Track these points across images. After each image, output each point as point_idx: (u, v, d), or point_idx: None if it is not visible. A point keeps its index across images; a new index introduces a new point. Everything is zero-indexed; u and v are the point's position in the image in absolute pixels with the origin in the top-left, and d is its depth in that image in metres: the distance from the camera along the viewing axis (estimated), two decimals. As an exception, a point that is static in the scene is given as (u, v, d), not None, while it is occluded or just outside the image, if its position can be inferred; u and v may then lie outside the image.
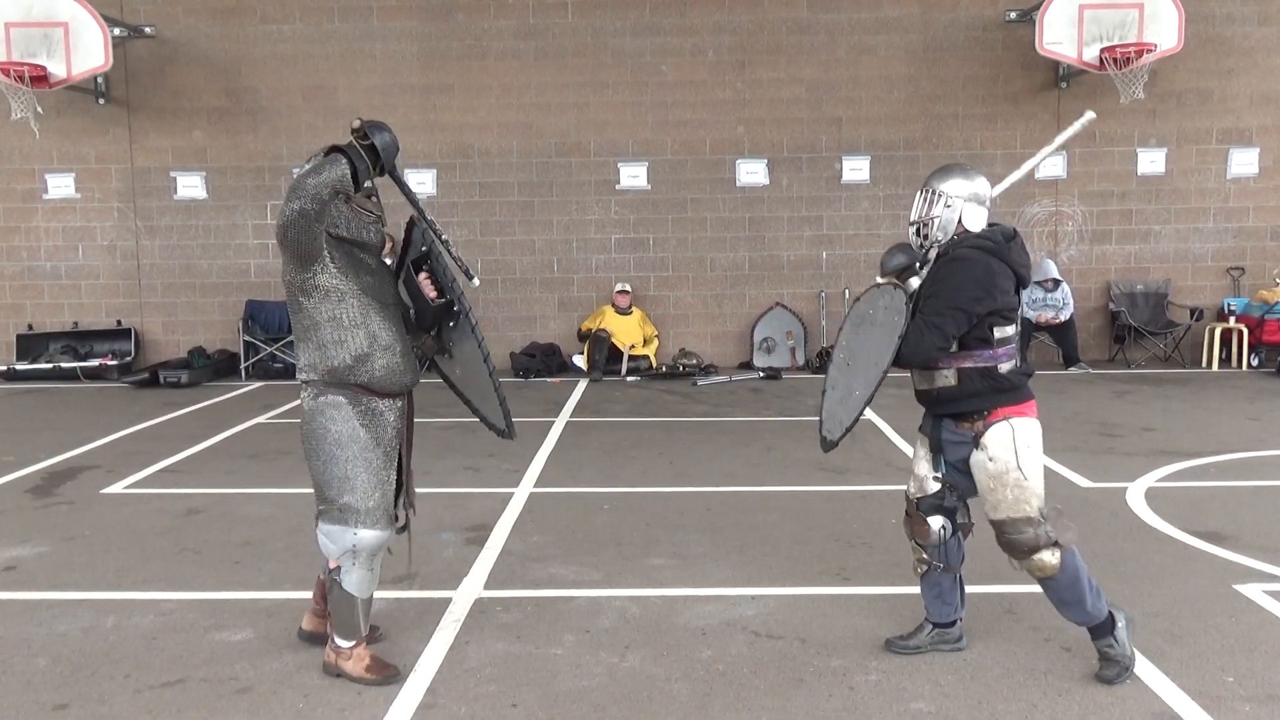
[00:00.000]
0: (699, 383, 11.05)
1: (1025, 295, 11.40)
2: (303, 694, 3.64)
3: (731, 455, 7.40)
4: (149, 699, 3.62)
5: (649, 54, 12.10)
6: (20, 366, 11.73)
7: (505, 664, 3.84)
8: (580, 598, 4.55)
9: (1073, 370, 11.43)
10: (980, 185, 3.73)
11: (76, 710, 3.55)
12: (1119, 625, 3.69)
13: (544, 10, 12.06)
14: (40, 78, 10.71)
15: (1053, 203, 12.23)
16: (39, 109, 10.96)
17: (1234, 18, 11.93)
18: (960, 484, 3.76)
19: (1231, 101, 12.05)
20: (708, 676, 3.74)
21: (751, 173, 12.25)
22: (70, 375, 11.61)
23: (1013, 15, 11.72)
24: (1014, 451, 3.61)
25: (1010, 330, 3.67)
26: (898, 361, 3.60)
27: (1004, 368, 3.64)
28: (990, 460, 3.62)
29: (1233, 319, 11.67)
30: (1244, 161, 12.12)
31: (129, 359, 11.99)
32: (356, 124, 3.47)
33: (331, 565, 3.65)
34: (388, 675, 3.69)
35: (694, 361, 11.70)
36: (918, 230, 3.74)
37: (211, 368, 11.63)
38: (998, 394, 3.64)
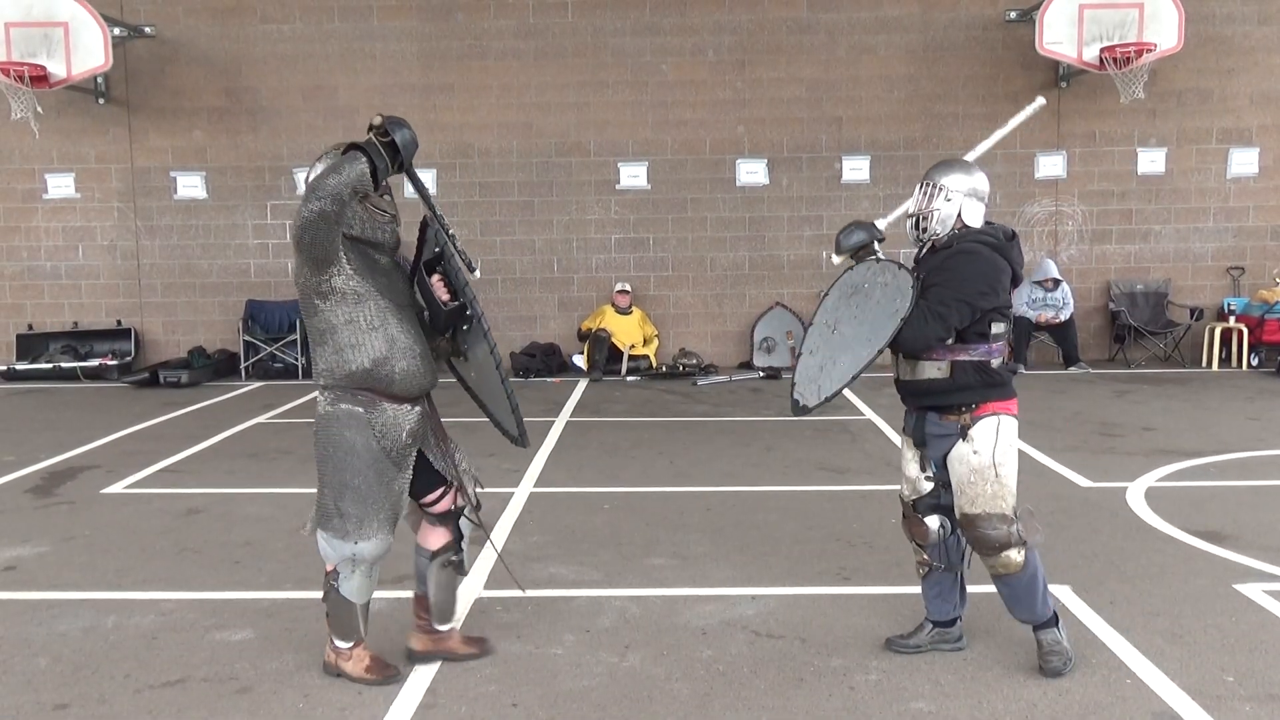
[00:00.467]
0: (699, 382, 11.05)
1: (1025, 295, 11.47)
2: (303, 694, 3.64)
3: (731, 455, 7.40)
4: (149, 699, 3.62)
5: (649, 54, 12.10)
6: (20, 366, 11.73)
7: (505, 664, 3.84)
8: (580, 597, 4.55)
9: (1073, 370, 11.43)
10: (980, 181, 3.75)
11: (77, 710, 3.55)
12: (1060, 620, 3.78)
13: (544, 10, 12.06)
14: (40, 77, 10.71)
15: (1053, 202, 12.23)
16: (39, 109, 10.96)
17: (1234, 17, 11.93)
18: (949, 480, 3.76)
19: (1231, 101, 12.05)
20: (708, 676, 3.74)
21: (751, 172, 12.25)
22: (70, 375, 11.61)
23: (1013, 15, 11.71)
24: (998, 447, 3.65)
25: (1003, 327, 3.71)
26: (894, 343, 3.61)
27: (994, 363, 3.68)
28: (975, 453, 3.64)
29: (1233, 319, 11.66)
30: (1244, 161, 12.11)
31: (129, 359, 11.99)
32: (377, 121, 3.36)
33: (329, 569, 3.63)
34: (387, 675, 3.68)
35: (694, 361, 11.70)
36: (916, 223, 3.75)
37: (211, 368, 11.63)
38: (988, 389, 3.67)
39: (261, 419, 9.12)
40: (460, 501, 3.79)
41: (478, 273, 3.71)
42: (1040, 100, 4.07)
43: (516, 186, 12.27)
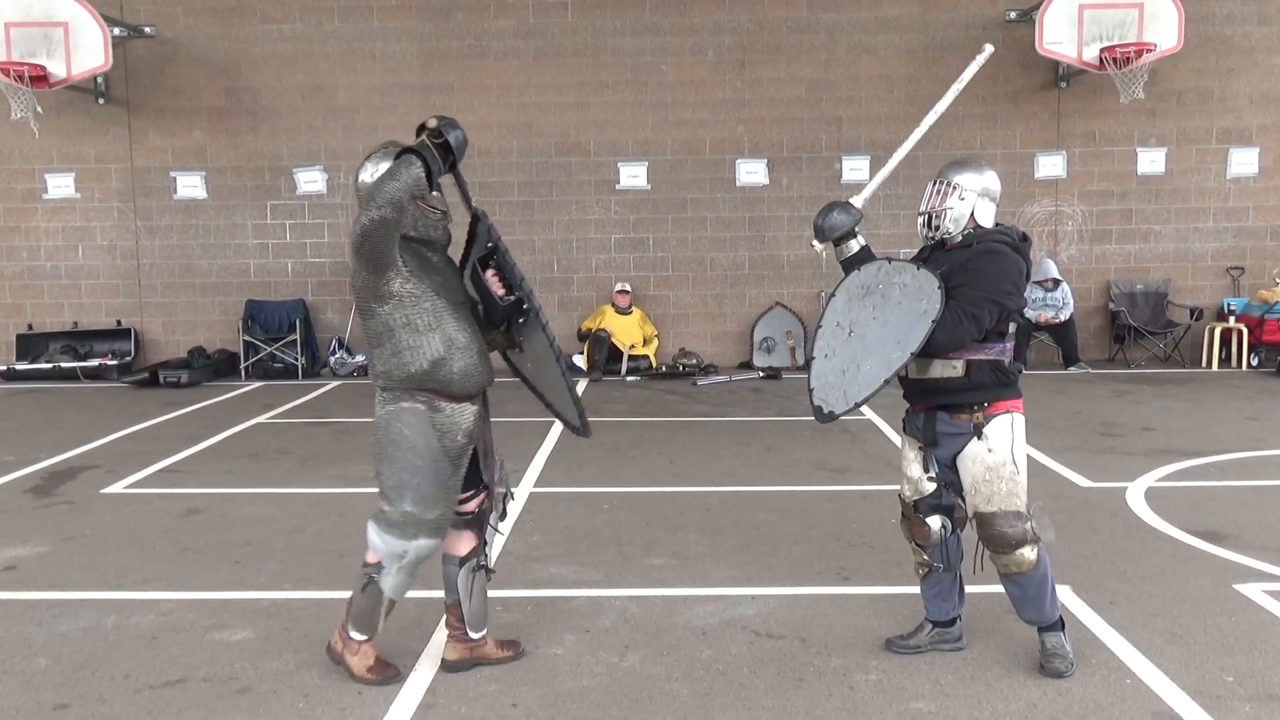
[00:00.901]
0: (699, 382, 11.04)
1: (1025, 294, 11.45)
2: (303, 694, 3.64)
3: (731, 455, 7.40)
4: (149, 699, 3.62)
5: (649, 53, 12.10)
6: (20, 366, 11.73)
7: (505, 664, 3.84)
8: (580, 597, 4.55)
9: (1073, 370, 11.43)
10: (992, 181, 3.76)
11: (77, 710, 3.55)
12: (1065, 625, 3.79)
13: (544, 10, 12.06)
14: (40, 77, 10.71)
15: (1053, 202, 12.23)
16: (39, 109, 10.96)
17: (1234, 17, 11.93)
18: (954, 480, 3.76)
19: (1231, 101, 12.05)
20: (708, 676, 3.74)
21: (751, 172, 12.25)
22: (70, 375, 11.61)
23: (1013, 15, 11.72)
24: (1014, 445, 3.66)
25: (1014, 326, 3.72)
26: (927, 348, 3.53)
27: (1007, 361, 3.69)
28: (990, 451, 3.63)
29: (1232, 319, 11.67)
30: (1244, 161, 12.11)
31: (129, 359, 11.99)
32: (433, 123, 3.33)
33: (370, 560, 3.57)
34: (388, 676, 3.66)
35: (694, 361, 11.70)
36: (928, 221, 3.73)
37: (211, 367, 11.63)
38: (1001, 387, 3.67)
39: (261, 419, 9.12)
40: (487, 505, 3.76)
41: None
42: (988, 48, 4.00)
43: (516, 186, 12.27)
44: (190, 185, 12.23)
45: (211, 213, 12.30)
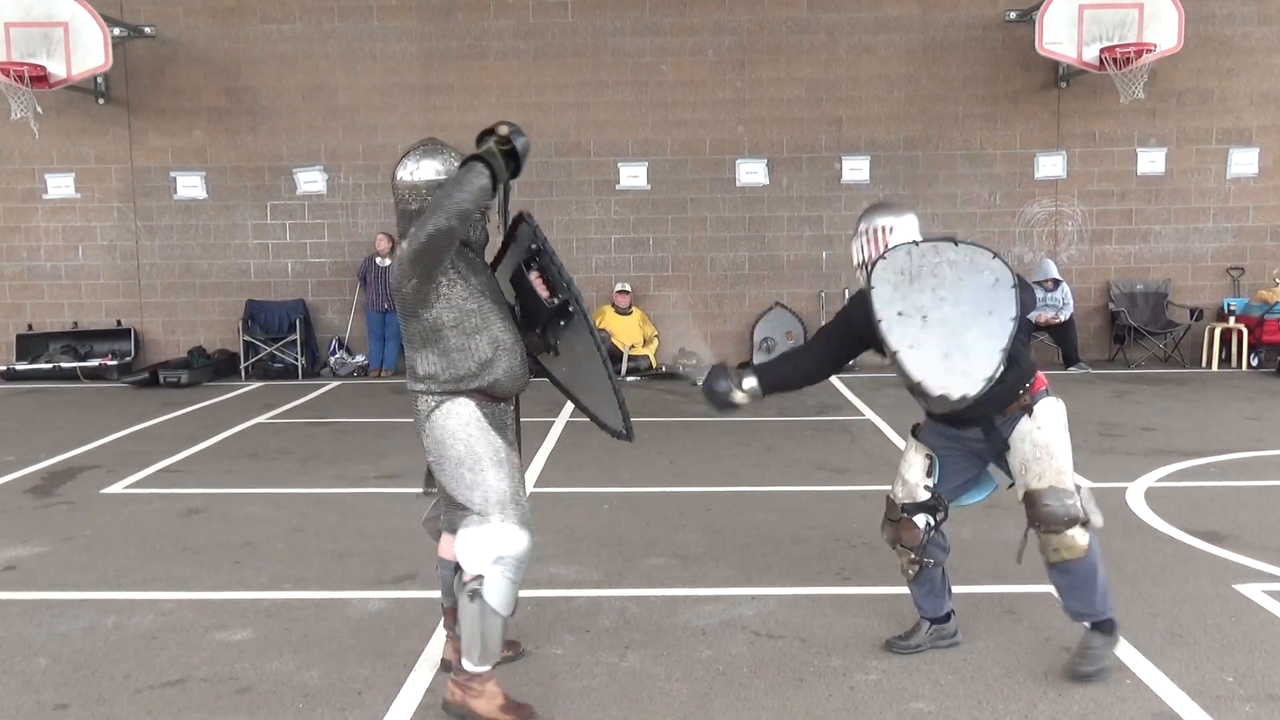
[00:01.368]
0: (699, 382, 11.01)
1: (1025, 295, 11.45)
2: (303, 694, 3.64)
3: (731, 455, 7.40)
4: (149, 699, 3.62)
5: (649, 54, 12.10)
6: (20, 366, 11.74)
7: (505, 664, 3.84)
8: (580, 597, 4.55)
9: (1072, 370, 11.43)
10: (913, 219, 3.79)
11: (76, 710, 3.54)
12: (1117, 629, 3.72)
13: (544, 10, 12.06)
14: (40, 78, 10.72)
15: (1053, 202, 12.23)
16: (39, 109, 10.96)
17: (1234, 17, 11.93)
18: (955, 492, 3.80)
19: (1231, 101, 12.05)
20: (708, 676, 3.74)
21: (751, 172, 12.25)
22: (70, 375, 11.61)
23: (1012, 15, 11.72)
24: (1060, 422, 3.67)
25: None
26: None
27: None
28: (1039, 429, 3.63)
29: (1232, 319, 11.67)
30: (1244, 161, 12.12)
31: (129, 359, 11.99)
32: (504, 130, 3.24)
33: (468, 578, 3.28)
34: (524, 717, 3.38)
35: (693, 361, 11.69)
36: (871, 269, 3.61)
37: (211, 368, 11.63)
38: (1029, 367, 3.71)
39: (261, 419, 9.12)
40: None
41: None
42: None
43: (516, 186, 12.14)
44: (190, 185, 12.24)
45: (211, 213, 12.30)
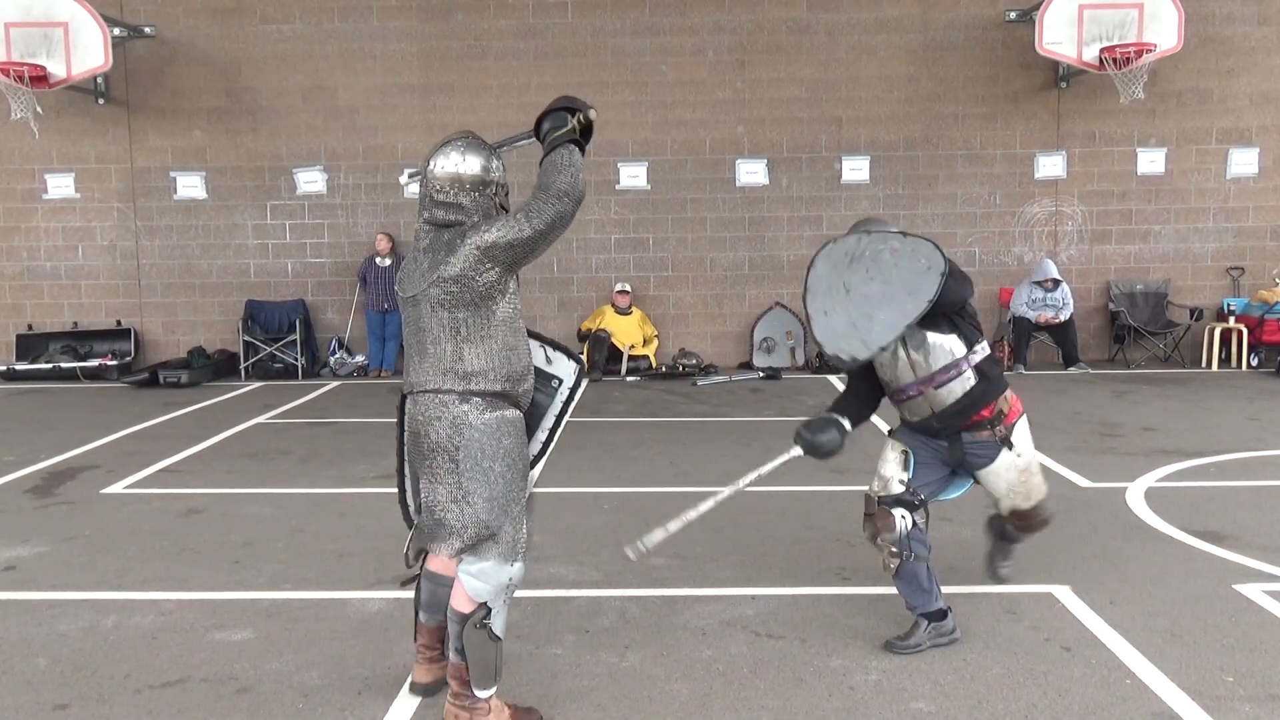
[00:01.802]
0: (699, 383, 11.04)
1: (1025, 295, 11.49)
2: (303, 694, 3.64)
3: (731, 455, 7.40)
4: (149, 699, 3.62)
5: (649, 54, 12.10)
6: (20, 366, 11.73)
7: (505, 664, 3.83)
8: (580, 597, 4.55)
9: (1072, 370, 11.43)
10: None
11: (76, 710, 3.55)
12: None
13: (544, 10, 12.06)
14: (40, 78, 10.71)
15: (1053, 202, 12.23)
16: (39, 109, 10.96)
17: (1234, 17, 11.93)
18: (931, 487, 3.98)
19: (1231, 101, 12.05)
20: (708, 676, 3.74)
21: (751, 172, 12.25)
22: (70, 375, 11.61)
23: (1012, 15, 11.72)
24: (1030, 441, 4.01)
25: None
26: (937, 306, 3.69)
27: (994, 353, 4.01)
28: (1019, 456, 3.94)
29: (1232, 319, 11.66)
30: (1244, 161, 12.12)
31: (129, 359, 11.99)
32: (595, 115, 3.26)
33: (467, 609, 3.18)
34: None
35: (694, 361, 11.70)
36: None
37: (211, 368, 11.63)
38: (1002, 379, 3.95)
39: (261, 419, 9.12)
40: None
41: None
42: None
43: (516, 187, 12.11)
44: (190, 185, 12.23)
45: (211, 213, 12.30)
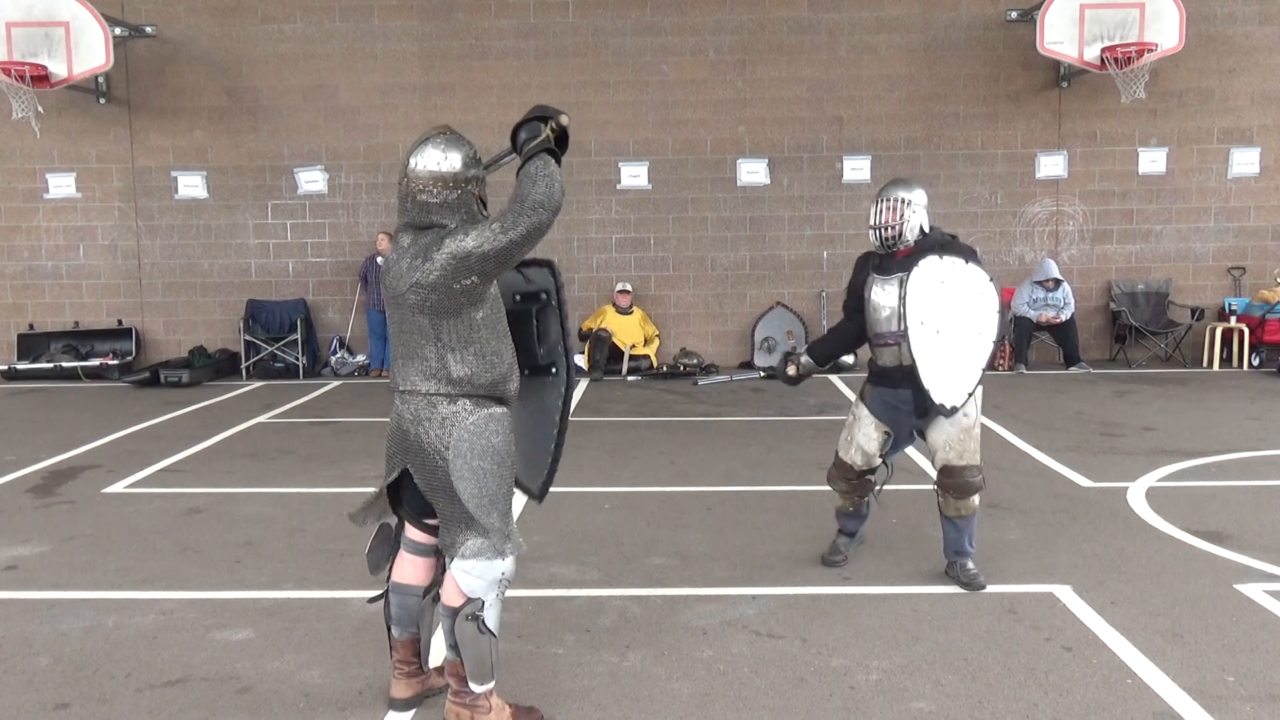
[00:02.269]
0: (700, 382, 10.87)
1: (1026, 295, 11.49)
2: (303, 694, 3.64)
3: (732, 455, 7.40)
4: (150, 698, 3.62)
5: (649, 53, 12.10)
6: (21, 366, 11.74)
7: (506, 663, 3.83)
8: (581, 597, 4.55)
9: (1073, 370, 11.43)
10: (923, 194, 4.61)
11: (77, 709, 3.55)
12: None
13: (545, 10, 12.06)
14: (41, 77, 10.72)
15: (1054, 202, 12.23)
16: (40, 109, 10.96)
17: (1235, 17, 11.93)
18: (902, 441, 4.66)
19: (1232, 101, 12.05)
20: (708, 676, 3.74)
21: (752, 172, 12.25)
22: (71, 375, 11.62)
23: (1014, 15, 11.71)
24: (979, 409, 4.49)
25: None
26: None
27: None
28: (965, 415, 4.42)
29: (1233, 319, 11.66)
30: (1245, 161, 12.11)
31: (130, 358, 12.00)
32: (567, 121, 3.21)
33: (458, 602, 3.21)
34: (535, 719, 3.39)
35: (695, 361, 11.70)
36: (886, 234, 4.50)
37: (212, 367, 11.64)
38: None
39: (262, 419, 9.12)
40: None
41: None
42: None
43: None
44: (191, 185, 12.24)
45: (212, 212, 12.30)
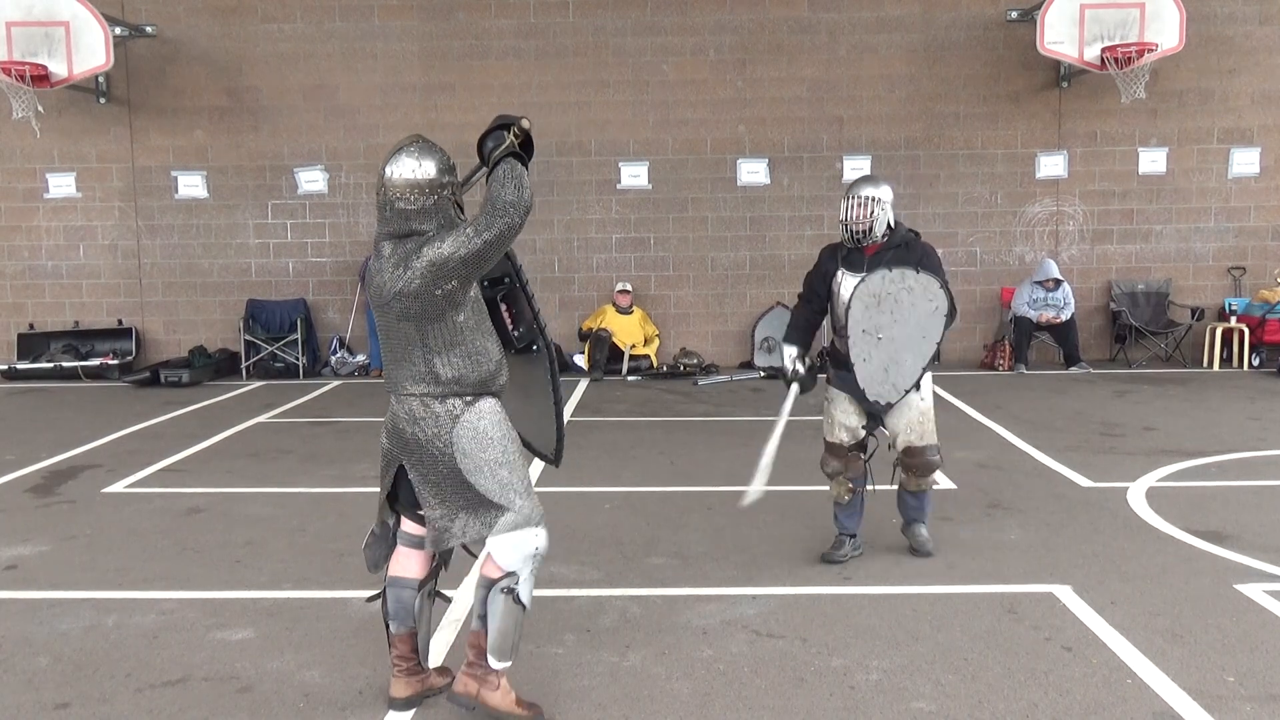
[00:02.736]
0: (700, 382, 11.04)
1: (1026, 295, 11.49)
2: (303, 693, 3.64)
3: (732, 455, 7.39)
4: (150, 698, 3.62)
5: (650, 53, 12.10)
6: (21, 366, 11.74)
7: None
8: (581, 597, 4.55)
9: (1074, 370, 11.42)
10: (890, 190, 4.83)
11: (78, 709, 3.55)
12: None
13: (545, 9, 12.06)
14: (41, 77, 10.71)
15: (1054, 202, 12.22)
16: (40, 108, 10.95)
17: (1235, 17, 11.92)
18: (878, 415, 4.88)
19: (1233, 101, 12.04)
20: (708, 676, 3.74)
21: (752, 172, 12.25)
22: (71, 374, 11.61)
23: (1014, 14, 11.70)
24: (932, 393, 4.91)
25: None
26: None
27: None
28: (922, 399, 4.83)
29: (1234, 319, 11.65)
30: (1245, 161, 12.11)
31: (130, 358, 11.99)
32: (528, 124, 3.28)
33: (496, 574, 3.33)
34: (536, 715, 3.44)
35: (695, 361, 11.70)
36: (856, 230, 4.71)
37: (212, 367, 11.63)
38: None
39: (262, 418, 9.12)
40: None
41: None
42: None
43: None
44: (191, 185, 12.24)
45: (212, 212, 12.30)
